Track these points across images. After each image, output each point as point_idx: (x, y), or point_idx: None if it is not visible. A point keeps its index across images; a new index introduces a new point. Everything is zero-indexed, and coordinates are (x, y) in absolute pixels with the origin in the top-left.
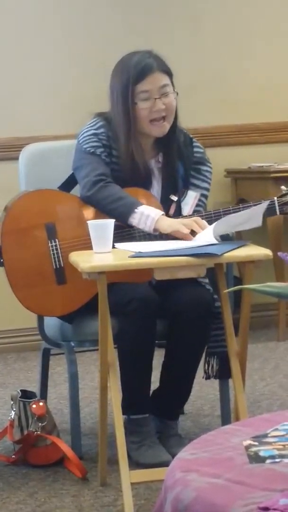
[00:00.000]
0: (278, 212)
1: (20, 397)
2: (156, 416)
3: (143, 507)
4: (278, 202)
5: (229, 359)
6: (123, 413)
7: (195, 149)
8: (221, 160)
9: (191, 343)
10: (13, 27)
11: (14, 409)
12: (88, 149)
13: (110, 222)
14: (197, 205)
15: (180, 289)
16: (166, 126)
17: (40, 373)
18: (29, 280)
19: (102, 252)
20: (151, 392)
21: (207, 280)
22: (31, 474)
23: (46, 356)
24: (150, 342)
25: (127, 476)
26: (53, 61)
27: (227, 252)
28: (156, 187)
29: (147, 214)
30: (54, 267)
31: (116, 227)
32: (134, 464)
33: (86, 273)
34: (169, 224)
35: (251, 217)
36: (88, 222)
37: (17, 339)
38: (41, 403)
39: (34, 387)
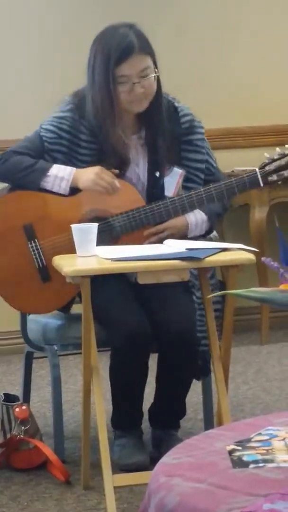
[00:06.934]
0: (262, 184)
1: (2, 401)
2: (156, 428)
3: (126, 511)
4: (260, 173)
5: (209, 358)
6: (114, 428)
7: (182, 119)
8: None
9: (180, 369)
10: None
11: None
12: (40, 129)
13: (94, 226)
14: (192, 181)
15: (163, 309)
16: (145, 103)
17: (23, 376)
18: (14, 281)
19: (86, 255)
20: (149, 406)
21: (196, 282)
22: (14, 478)
23: (29, 360)
24: (142, 376)
25: (110, 479)
26: (40, 63)
27: (210, 255)
28: (142, 164)
29: (61, 177)
30: (37, 266)
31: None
32: (117, 467)
33: (69, 277)
34: (84, 179)
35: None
36: (71, 226)
37: (0, 342)
38: (24, 407)
39: (17, 391)
